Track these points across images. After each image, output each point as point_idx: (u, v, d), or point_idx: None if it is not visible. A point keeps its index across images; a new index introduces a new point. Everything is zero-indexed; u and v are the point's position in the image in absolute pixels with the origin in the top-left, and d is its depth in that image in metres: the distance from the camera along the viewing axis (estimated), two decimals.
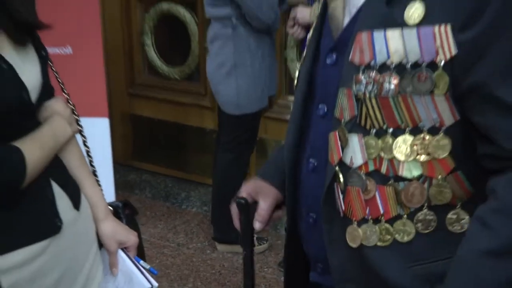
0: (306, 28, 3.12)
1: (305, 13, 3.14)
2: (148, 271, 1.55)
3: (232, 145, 3.44)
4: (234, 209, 1.44)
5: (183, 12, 4.12)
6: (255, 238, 1.50)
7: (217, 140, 3.63)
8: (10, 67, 1.27)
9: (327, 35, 1.25)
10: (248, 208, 1.41)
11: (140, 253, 1.60)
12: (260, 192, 1.43)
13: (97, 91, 3.48)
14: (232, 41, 3.24)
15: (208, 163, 4.04)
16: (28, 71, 1.32)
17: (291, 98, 3.72)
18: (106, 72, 3.63)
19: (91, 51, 3.38)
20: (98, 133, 3.01)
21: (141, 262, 1.56)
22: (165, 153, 4.38)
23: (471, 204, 1.13)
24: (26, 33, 1.35)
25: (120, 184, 4.18)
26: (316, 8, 1.34)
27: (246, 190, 1.44)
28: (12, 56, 1.29)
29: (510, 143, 1.06)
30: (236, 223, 1.45)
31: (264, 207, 1.40)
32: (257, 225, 1.40)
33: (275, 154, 1.47)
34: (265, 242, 3.31)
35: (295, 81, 1.36)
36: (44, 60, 1.39)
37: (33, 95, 1.31)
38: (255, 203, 1.41)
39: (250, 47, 3.27)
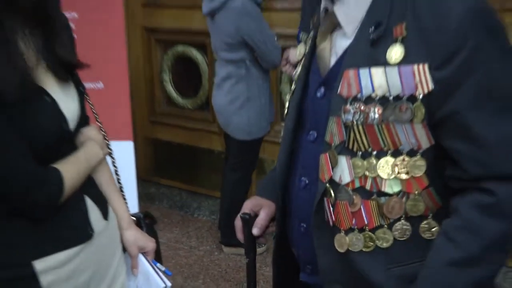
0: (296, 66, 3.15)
1: (293, 54, 3.17)
2: (164, 272, 1.55)
3: (240, 165, 3.45)
4: (238, 223, 1.43)
5: (196, 54, 4.15)
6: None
7: (225, 161, 3.62)
8: (53, 101, 1.27)
9: (315, 72, 1.25)
10: (251, 222, 1.39)
11: (157, 257, 1.60)
12: (259, 206, 1.42)
13: (123, 119, 3.48)
14: (245, 80, 3.27)
15: (215, 179, 4.06)
16: (69, 104, 1.33)
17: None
18: (131, 103, 3.64)
19: (119, 86, 3.39)
20: (124, 154, 3.00)
21: (158, 264, 1.57)
22: (180, 170, 4.38)
23: (439, 215, 1.14)
24: (68, 71, 1.35)
25: (142, 196, 4.19)
26: (302, 48, 1.34)
27: (248, 206, 1.43)
28: (56, 91, 1.29)
29: (472, 168, 1.06)
30: (239, 235, 1.44)
31: (262, 216, 1.40)
32: (255, 231, 1.39)
33: (271, 174, 1.46)
34: (263, 245, 3.32)
35: (285, 111, 1.35)
36: (82, 94, 1.40)
37: (72, 124, 1.33)
38: (255, 217, 1.40)
39: (259, 84, 3.31)
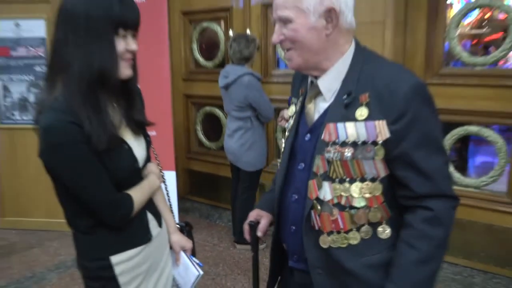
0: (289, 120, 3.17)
1: (287, 113, 3.19)
2: (198, 264, 1.54)
3: (248, 188, 3.45)
4: (246, 227, 1.42)
5: (218, 112, 4.19)
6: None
7: (232, 185, 3.62)
8: (130, 148, 1.29)
9: (303, 123, 1.25)
10: (256, 227, 1.40)
11: (193, 253, 1.59)
12: (260, 216, 1.42)
13: (169, 156, 3.51)
14: (251, 130, 3.32)
15: (229, 197, 4.04)
16: (139, 149, 1.34)
17: (279, 160, 3.74)
18: (174, 145, 3.67)
19: (166, 134, 3.44)
20: (169, 180, 3.02)
21: (194, 258, 1.56)
22: (206, 191, 4.36)
23: (390, 221, 1.16)
24: (140, 127, 1.36)
25: (180, 209, 4.15)
26: (293, 108, 1.33)
27: (253, 215, 1.43)
28: (131, 141, 1.31)
29: (417, 189, 1.10)
30: (247, 236, 1.43)
31: (263, 223, 1.40)
32: (259, 234, 1.40)
33: (268, 194, 1.46)
34: (264, 243, 3.27)
35: (282, 149, 1.34)
36: (148, 142, 1.41)
37: (141, 163, 1.34)
38: (258, 223, 1.41)
39: (260, 133, 3.36)
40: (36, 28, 3.68)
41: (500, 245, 2.85)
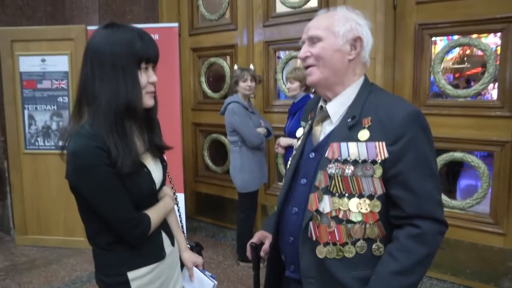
0: (284, 148, 3.20)
1: (282, 141, 3.23)
2: (211, 276, 1.54)
3: (243, 209, 3.44)
4: (249, 248, 1.43)
5: (224, 139, 4.19)
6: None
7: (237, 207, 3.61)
8: (149, 172, 1.31)
9: (309, 143, 1.27)
10: (258, 248, 1.40)
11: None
12: (265, 237, 1.42)
13: (178, 179, 3.52)
14: (239, 153, 3.34)
15: (235, 217, 4.02)
16: (157, 173, 1.35)
17: (280, 183, 3.73)
18: (183, 169, 3.69)
19: (175, 158, 3.46)
20: (179, 202, 3.04)
21: (206, 272, 1.56)
22: (213, 212, 4.34)
23: (384, 240, 1.15)
24: (159, 152, 1.38)
25: (188, 229, 4.17)
26: (301, 131, 1.36)
27: (257, 236, 1.44)
28: (151, 165, 1.32)
29: (408, 209, 1.09)
30: (249, 255, 1.44)
31: (266, 245, 1.40)
32: (262, 254, 1.41)
33: (272, 216, 1.45)
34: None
35: (288, 167, 1.34)
36: (165, 167, 1.42)
37: (158, 186, 1.35)
38: (261, 244, 1.41)
39: (249, 156, 3.33)
40: (60, 63, 3.75)
41: (484, 262, 2.82)
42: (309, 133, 1.29)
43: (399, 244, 1.09)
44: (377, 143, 1.09)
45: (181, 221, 1.60)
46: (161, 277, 1.35)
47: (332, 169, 1.13)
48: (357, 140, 1.12)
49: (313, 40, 1.19)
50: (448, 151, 2.97)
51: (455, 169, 4.61)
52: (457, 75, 6.05)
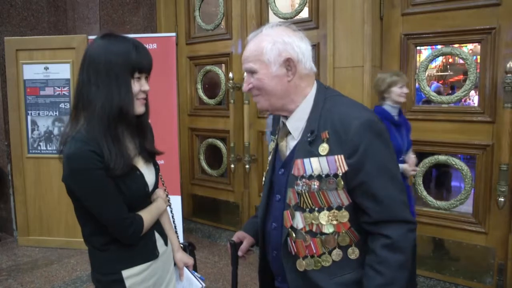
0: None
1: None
2: (200, 278, 1.53)
3: None
4: (228, 246, 1.41)
5: (220, 144, 4.19)
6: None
7: None
8: (141, 174, 1.31)
9: (278, 159, 1.25)
10: (236, 246, 1.40)
11: (195, 269, 1.58)
12: (244, 237, 1.40)
13: (175, 182, 3.50)
14: None
15: (229, 218, 4.01)
16: (150, 176, 1.35)
17: None
18: (180, 172, 3.66)
19: (172, 162, 3.44)
20: (175, 203, 3.01)
21: (195, 273, 1.55)
22: (208, 213, 4.30)
23: (358, 243, 1.14)
24: (151, 156, 1.37)
25: (185, 230, 4.14)
26: (273, 145, 1.33)
27: (236, 236, 1.42)
28: (143, 168, 1.32)
29: (374, 215, 1.08)
30: (229, 252, 1.42)
31: (244, 245, 1.39)
32: (239, 253, 1.39)
33: (252, 218, 1.45)
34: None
35: (263, 183, 1.33)
36: (157, 170, 1.41)
37: (150, 188, 1.35)
38: (241, 243, 1.40)
39: None
40: (62, 71, 3.74)
41: (468, 260, 2.82)
42: (276, 149, 1.27)
43: (376, 257, 1.08)
44: (336, 156, 1.07)
45: (174, 222, 1.59)
46: (155, 276, 1.34)
47: (299, 186, 1.11)
48: (318, 155, 1.09)
49: (251, 72, 1.15)
50: (433, 154, 2.98)
51: (440, 171, 4.63)
52: (441, 82, 6.09)
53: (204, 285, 1.51)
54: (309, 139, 1.12)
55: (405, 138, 2.62)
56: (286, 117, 1.20)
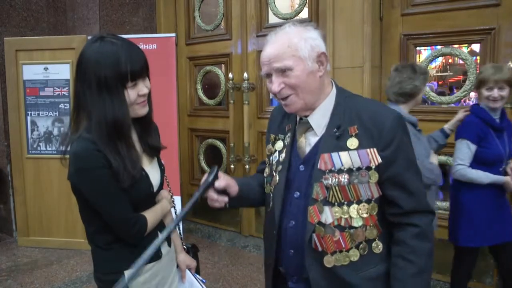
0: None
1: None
2: (201, 281, 1.54)
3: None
4: (206, 175, 1.24)
5: (220, 144, 4.19)
6: None
7: None
8: (146, 174, 1.30)
9: (295, 156, 1.22)
10: (216, 173, 1.22)
11: (197, 271, 1.58)
12: (230, 185, 1.26)
13: (175, 183, 3.50)
14: None
15: (229, 219, 4.00)
16: (155, 176, 1.35)
17: None
18: (180, 172, 3.66)
19: (172, 162, 3.45)
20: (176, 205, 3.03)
21: (197, 276, 1.55)
22: (208, 214, 4.30)
23: (382, 237, 1.17)
24: (154, 152, 1.36)
25: (185, 230, 4.15)
26: (281, 144, 1.27)
27: (222, 175, 1.25)
28: (148, 168, 1.32)
29: (405, 205, 1.13)
30: (204, 177, 1.24)
31: (221, 183, 1.23)
32: (216, 184, 1.22)
33: (251, 176, 1.37)
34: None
35: (272, 181, 1.26)
36: (162, 170, 1.41)
37: (155, 189, 1.35)
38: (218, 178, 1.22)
39: None
40: (62, 71, 3.74)
41: None
42: (292, 146, 1.24)
43: (407, 247, 1.12)
44: (368, 150, 1.09)
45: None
46: (158, 276, 1.34)
47: (328, 180, 1.11)
48: (348, 149, 1.11)
49: (283, 71, 1.12)
50: None
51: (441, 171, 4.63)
52: (441, 82, 6.10)
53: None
54: (337, 133, 1.13)
55: (507, 145, 2.17)
56: (305, 115, 1.19)
